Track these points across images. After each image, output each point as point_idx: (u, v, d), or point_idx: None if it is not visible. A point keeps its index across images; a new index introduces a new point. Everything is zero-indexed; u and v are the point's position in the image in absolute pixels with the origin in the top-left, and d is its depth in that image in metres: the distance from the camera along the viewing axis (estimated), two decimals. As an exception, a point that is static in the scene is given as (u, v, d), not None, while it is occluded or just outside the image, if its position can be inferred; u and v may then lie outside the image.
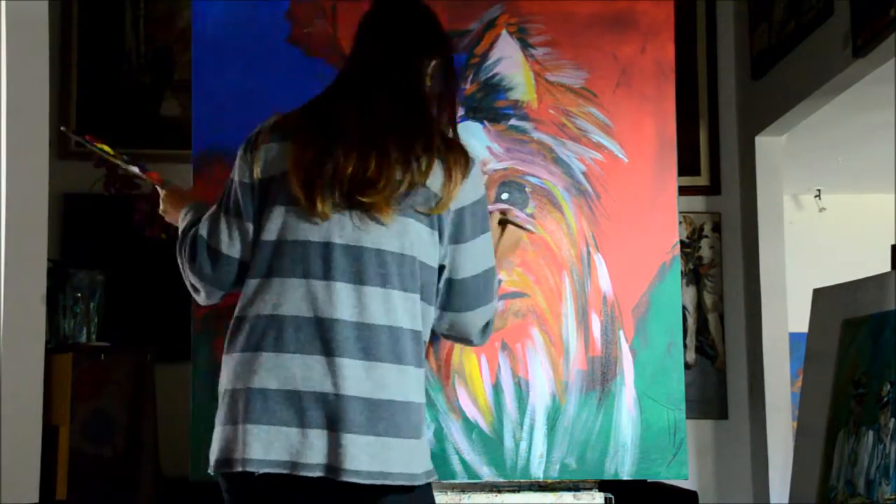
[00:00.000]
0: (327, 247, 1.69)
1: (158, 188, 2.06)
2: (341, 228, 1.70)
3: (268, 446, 1.64)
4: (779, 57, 3.58)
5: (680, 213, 2.54)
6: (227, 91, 2.21)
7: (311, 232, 1.70)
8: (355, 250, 1.69)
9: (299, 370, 1.65)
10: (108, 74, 3.74)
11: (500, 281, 2.07)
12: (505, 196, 2.24)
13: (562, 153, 2.25)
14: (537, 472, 2.16)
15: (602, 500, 2.18)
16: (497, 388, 2.19)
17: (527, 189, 2.24)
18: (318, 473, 1.63)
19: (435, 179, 1.73)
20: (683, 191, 2.44)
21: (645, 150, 2.24)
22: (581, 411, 2.17)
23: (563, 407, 2.18)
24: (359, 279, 1.69)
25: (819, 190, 5.55)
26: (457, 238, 1.79)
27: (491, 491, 2.18)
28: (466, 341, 1.89)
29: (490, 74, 2.27)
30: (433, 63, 1.84)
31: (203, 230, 1.81)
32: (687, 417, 2.20)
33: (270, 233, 1.73)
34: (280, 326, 1.68)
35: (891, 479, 2.35)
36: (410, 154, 1.71)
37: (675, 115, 2.25)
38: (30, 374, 2.24)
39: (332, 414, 1.64)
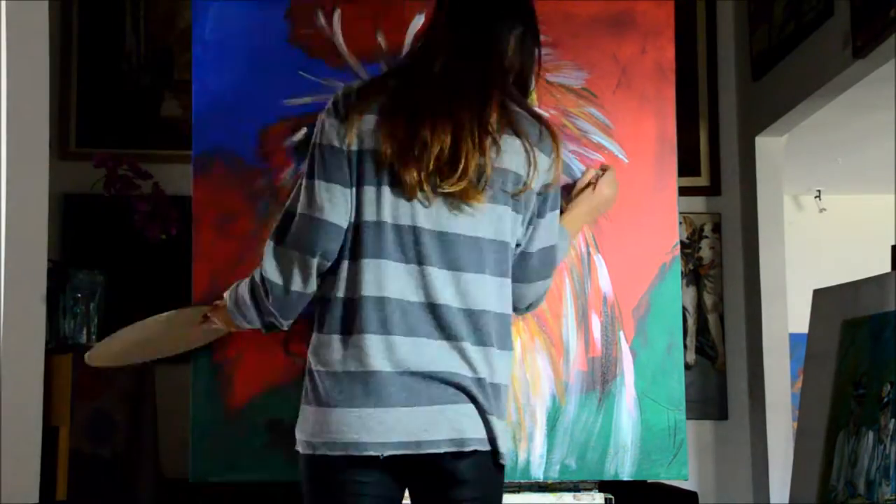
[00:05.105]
0: (423, 232, 1.68)
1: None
2: (438, 215, 1.69)
3: (389, 430, 1.64)
4: (779, 58, 3.57)
5: (680, 213, 2.54)
6: (227, 91, 2.21)
7: (405, 216, 1.69)
8: (451, 237, 1.69)
9: (420, 352, 1.66)
10: (109, 75, 3.74)
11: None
12: (505, 196, 2.23)
13: (562, 153, 2.24)
14: (537, 473, 2.16)
15: (602, 501, 2.18)
16: (497, 389, 2.18)
17: (527, 189, 2.23)
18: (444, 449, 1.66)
19: (517, 158, 1.73)
20: (683, 191, 2.43)
21: (645, 151, 2.23)
22: (581, 412, 2.17)
23: (564, 407, 2.17)
24: (456, 265, 1.69)
25: (819, 190, 5.55)
26: (539, 213, 1.81)
27: (491, 491, 2.18)
28: (514, 309, 1.87)
29: (490, 75, 2.26)
30: (516, 32, 1.80)
31: (294, 207, 1.74)
32: (687, 418, 2.20)
33: (365, 213, 1.69)
34: (384, 308, 1.67)
35: (891, 480, 2.34)
36: (487, 130, 1.68)
37: (675, 115, 2.25)
38: (30, 374, 2.23)
39: (472, 395, 1.68)
